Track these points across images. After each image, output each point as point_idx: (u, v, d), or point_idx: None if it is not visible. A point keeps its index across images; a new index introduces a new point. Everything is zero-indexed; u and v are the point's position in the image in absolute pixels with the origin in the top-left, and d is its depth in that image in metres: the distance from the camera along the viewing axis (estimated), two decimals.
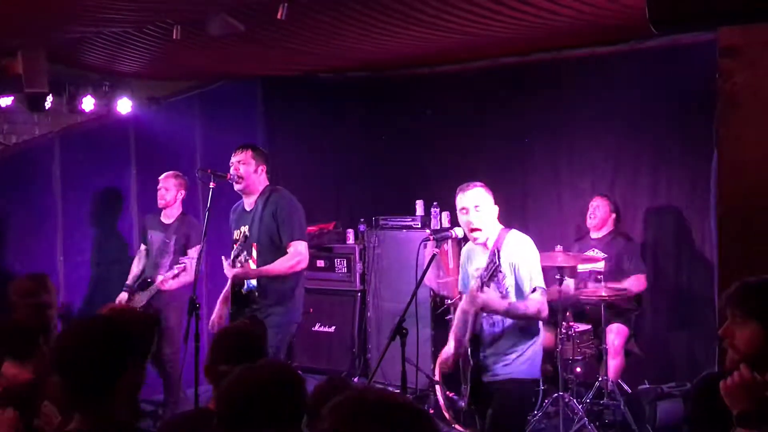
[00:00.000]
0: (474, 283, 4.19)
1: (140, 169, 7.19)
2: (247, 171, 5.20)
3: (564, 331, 5.76)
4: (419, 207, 7.22)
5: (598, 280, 6.02)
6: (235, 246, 5.29)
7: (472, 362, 4.23)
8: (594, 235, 6.44)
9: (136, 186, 7.22)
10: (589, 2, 4.77)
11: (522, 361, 4.22)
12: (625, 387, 6.00)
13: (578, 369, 5.93)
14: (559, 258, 5.86)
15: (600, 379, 5.79)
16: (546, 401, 5.82)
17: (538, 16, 5.07)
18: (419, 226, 7.03)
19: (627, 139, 6.72)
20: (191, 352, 4.98)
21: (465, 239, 4.47)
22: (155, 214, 6.42)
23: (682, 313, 6.50)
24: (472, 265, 4.38)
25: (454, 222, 4.40)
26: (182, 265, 5.92)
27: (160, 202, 6.31)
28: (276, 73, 7.56)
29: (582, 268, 6.27)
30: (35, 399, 3.13)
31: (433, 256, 4.28)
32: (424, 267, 4.22)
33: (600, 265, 6.13)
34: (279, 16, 4.40)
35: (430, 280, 6.49)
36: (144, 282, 6.20)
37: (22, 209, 6.57)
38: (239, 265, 5.20)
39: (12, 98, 6.18)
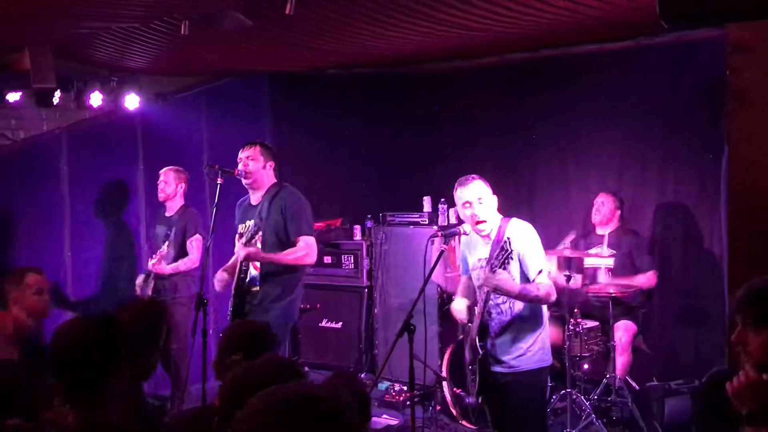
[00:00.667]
0: (482, 270, 4.20)
1: (147, 164, 7.20)
2: (256, 167, 5.20)
3: (572, 327, 5.75)
4: (426, 203, 7.22)
5: (609, 270, 6.02)
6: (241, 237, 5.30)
7: (481, 352, 4.23)
8: (600, 231, 6.43)
9: (143, 181, 7.23)
10: None
11: (535, 350, 4.22)
12: (633, 384, 6.00)
13: (586, 366, 5.93)
14: (566, 251, 5.89)
15: (608, 376, 5.78)
16: (554, 398, 5.81)
17: (547, 13, 5.06)
18: (426, 222, 7.02)
19: (635, 136, 6.70)
20: (198, 347, 4.98)
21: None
22: (161, 209, 6.59)
23: (690, 310, 6.48)
24: (473, 256, 4.39)
25: (462, 219, 4.40)
26: (162, 251, 6.10)
27: (160, 195, 6.49)
28: (283, 69, 7.55)
29: (589, 263, 6.28)
30: None
31: (441, 252, 4.29)
32: (432, 263, 4.23)
33: (610, 261, 6.13)
34: (287, 12, 4.39)
35: (437, 276, 6.49)
36: (148, 274, 6.32)
37: (29, 205, 6.59)
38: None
39: (20, 94, 6.18)
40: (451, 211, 6.98)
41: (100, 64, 6.51)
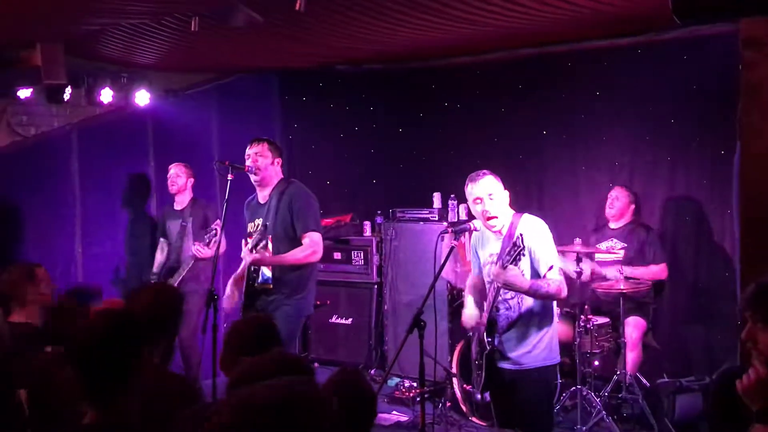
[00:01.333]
0: (493, 266, 4.19)
1: (158, 160, 7.23)
2: (265, 163, 5.22)
3: (582, 324, 5.74)
4: (436, 199, 7.20)
5: (619, 263, 6.01)
6: (252, 237, 5.31)
7: (489, 347, 4.23)
8: (613, 225, 6.42)
9: (153, 177, 7.26)
10: None
11: (543, 347, 4.21)
12: (644, 381, 5.97)
13: (596, 362, 5.91)
14: (577, 247, 5.88)
15: (618, 372, 5.76)
16: (564, 395, 5.80)
17: (559, 9, 5.04)
18: (436, 218, 7.01)
19: (645, 131, 6.66)
20: (209, 343, 4.99)
21: None
22: (169, 204, 6.66)
23: (701, 307, 6.45)
24: (485, 251, 4.38)
25: (472, 214, 4.39)
26: (212, 231, 5.83)
27: (172, 188, 6.58)
28: (293, 66, 7.55)
29: (600, 257, 6.26)
30: None
31: (452, 248, 4.27)
32: (443, 260, 4.22)
33: (620, 256, 6.12)
34: (298, 8, 4.38)
35: (447, 272, 6.49)
36: (170, 269, 6.37)
37: (40, 201, 6.62)
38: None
39: (31, 90, 6.21)
40: (461, 207, 6.97)
41: (111, 61, 6.53)
